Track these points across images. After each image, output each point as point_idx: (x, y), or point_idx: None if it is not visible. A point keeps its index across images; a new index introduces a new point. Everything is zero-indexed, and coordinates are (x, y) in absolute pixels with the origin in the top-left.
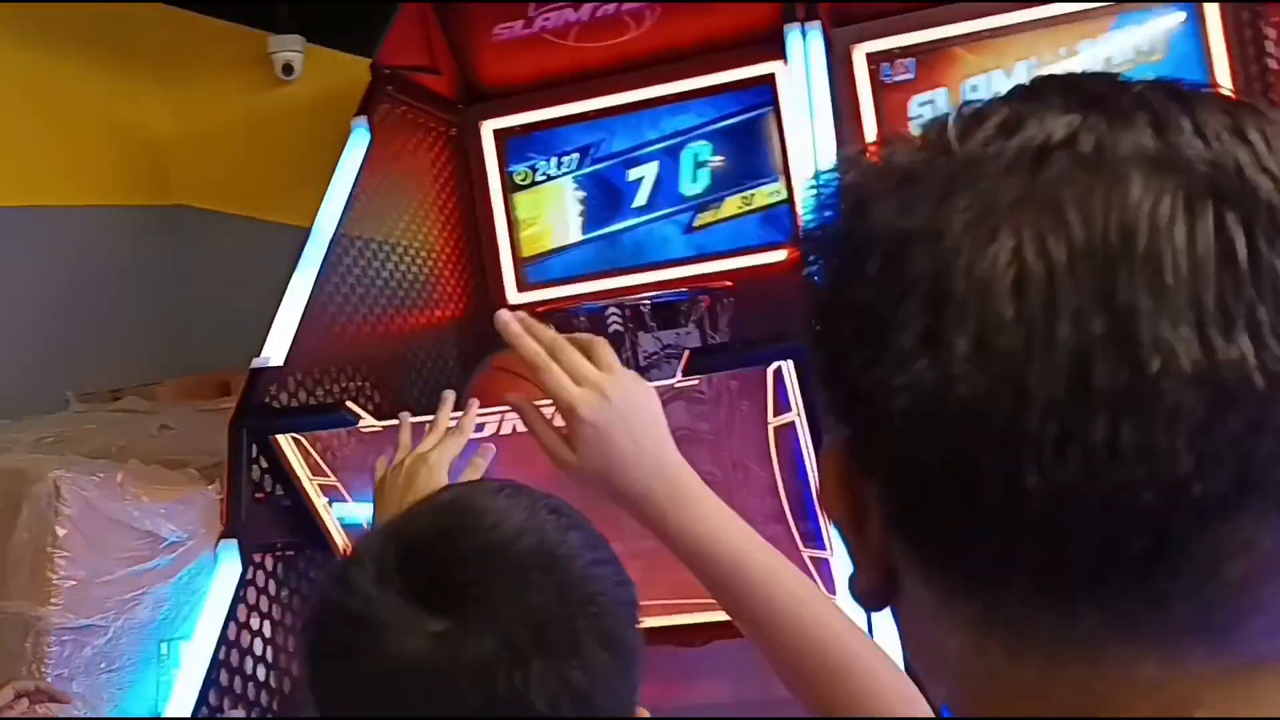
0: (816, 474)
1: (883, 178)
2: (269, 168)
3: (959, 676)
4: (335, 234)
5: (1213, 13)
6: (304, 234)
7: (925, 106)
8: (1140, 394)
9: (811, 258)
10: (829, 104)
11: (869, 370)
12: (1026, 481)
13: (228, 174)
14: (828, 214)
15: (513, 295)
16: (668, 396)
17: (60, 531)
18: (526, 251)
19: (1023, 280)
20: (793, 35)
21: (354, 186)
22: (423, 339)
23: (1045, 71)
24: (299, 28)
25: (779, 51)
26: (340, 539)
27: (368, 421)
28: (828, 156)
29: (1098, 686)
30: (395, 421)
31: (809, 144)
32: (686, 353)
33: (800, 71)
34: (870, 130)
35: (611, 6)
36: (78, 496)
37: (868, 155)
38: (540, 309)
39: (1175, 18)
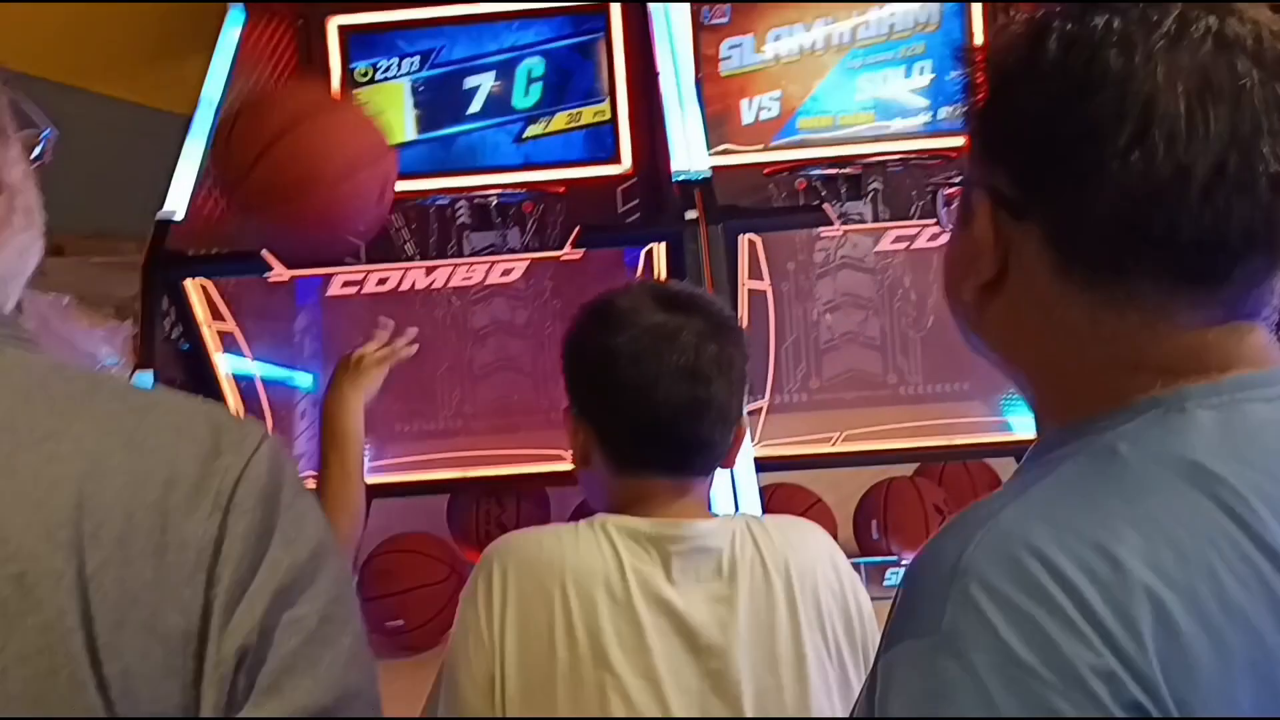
0: (959, 208)
1: (1105, 38)
2: (88, 37)
3: (1067, 347)
4: (219, 104)
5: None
6: (122, 106)
7: (734, 49)
8: (1247, 178)
9: (1019, 83)
10: (688, 29)
11: (1090, 157)
12: (1182, 225)
13: (47, 41)
14: (1024, 53)
15: None
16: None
17: None
18: None
19: (1193, 114)
20: None
21: (233, 64)
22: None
23: (839, 28)
24: None
25: None
26: (229, 389)
27: (279, 270)
28: (685, 73)
29: (1193, 344)
30: (307, 272)
31: (668, 65)
32: (577, 228)
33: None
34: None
35: None
36: (38, 313)
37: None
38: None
39: None
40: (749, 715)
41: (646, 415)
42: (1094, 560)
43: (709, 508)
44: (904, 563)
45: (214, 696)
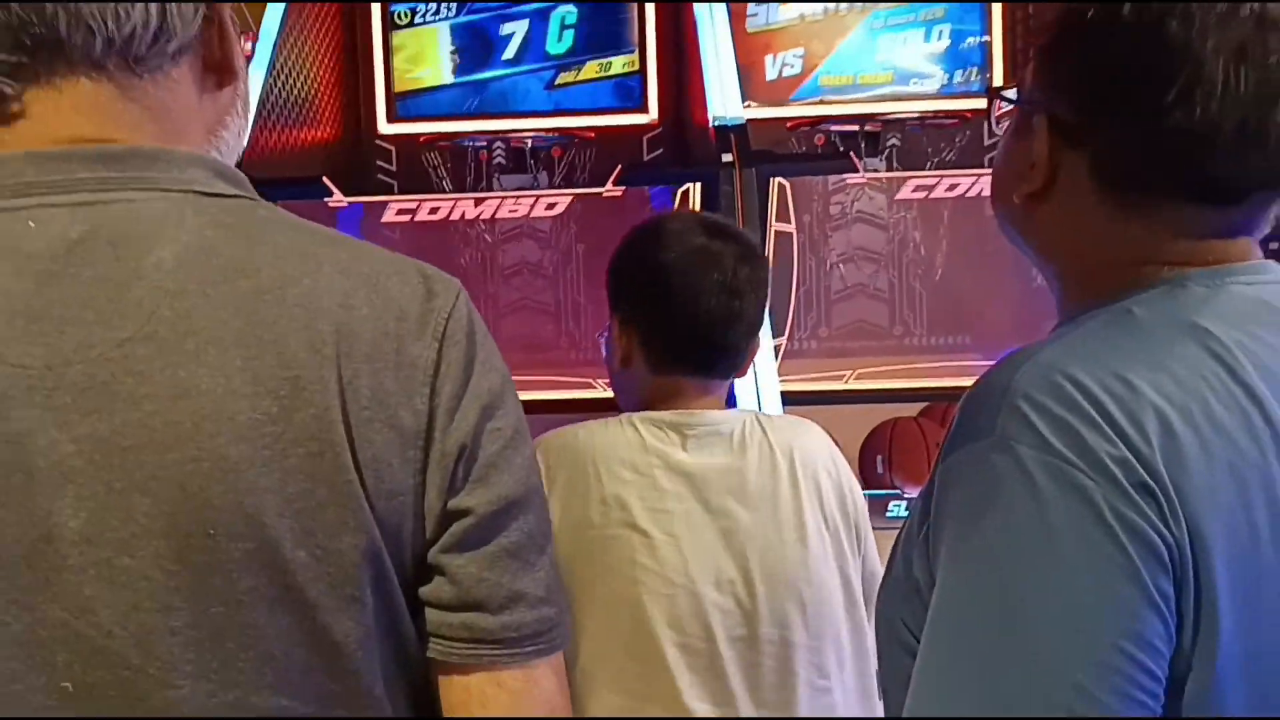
0: (1015, 123)
1: (1170, 9)
2: None
3: (1099, 245)
4: (275, 43)
5: None
6: None
7: (761, 6)
8: (1262, 133)
9: (1093, 35)
10: None
11: (1144, 105)
12: (1207, 166)
13: None
14: (1101, 11)
15: (383, 125)
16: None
17: None
18: (400, 87)
19: (1228, 79)
20: None
21: (286, 5)
22: (295, 156)
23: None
24: None
25: None
26: None
27: (338, 197)
28: (720, 24)
29: (1184, 245)
30: (365, 199)
31: (705, 15)
32: (619, 167)
33: None
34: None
35: None
36: None
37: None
38: (423, 140)
39: None
40: (754, 567)
41: (688, 322)
42: (1114, 383)
43: (724, 405)
44: (907, 496)
45: (439, 480)
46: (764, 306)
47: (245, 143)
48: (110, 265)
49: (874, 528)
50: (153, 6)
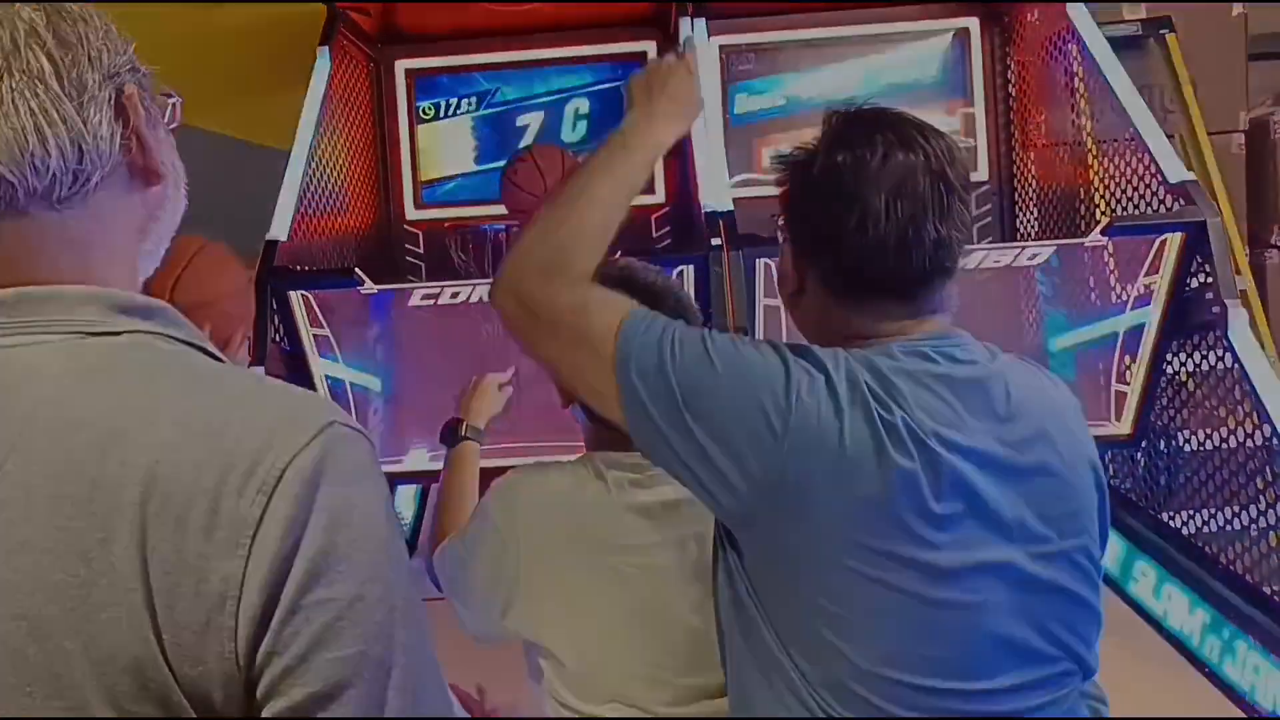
0: (783, 245)
1: (843, 164)
2: (195, 78)
3: (831, 328)
4: (313, 139)
5: (975, 44)
6: (221, 139)
7: (758, 94)
8: (919, 241)
9: (801, 187)
10: (718, 75)
11: (837, 232)
12: (888, 261)
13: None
14: (803, 155)
15: (410, 211)
16: None
17: None
18: (425, 175)
19: (889, 208)
20: (685, 22)
21: (322, 102)
22: (331, 242)
23: (850, 71)
24: None
25: (653, 33)
26: (321, 386)
27: (369, 285)
28: (713, 117)
29: (889, 325)
30: (394, 286)
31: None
32: (618, 253)
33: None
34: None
35: None
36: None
37: (825, 141)
38: (448, 224)
39: (947, 42)
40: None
41: None
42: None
43: None
44: None
45: (247, 652)
46: None
47: (178, 219)
48: None
49: None
50: (69, 151)
